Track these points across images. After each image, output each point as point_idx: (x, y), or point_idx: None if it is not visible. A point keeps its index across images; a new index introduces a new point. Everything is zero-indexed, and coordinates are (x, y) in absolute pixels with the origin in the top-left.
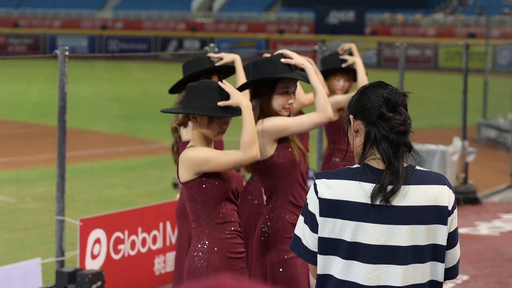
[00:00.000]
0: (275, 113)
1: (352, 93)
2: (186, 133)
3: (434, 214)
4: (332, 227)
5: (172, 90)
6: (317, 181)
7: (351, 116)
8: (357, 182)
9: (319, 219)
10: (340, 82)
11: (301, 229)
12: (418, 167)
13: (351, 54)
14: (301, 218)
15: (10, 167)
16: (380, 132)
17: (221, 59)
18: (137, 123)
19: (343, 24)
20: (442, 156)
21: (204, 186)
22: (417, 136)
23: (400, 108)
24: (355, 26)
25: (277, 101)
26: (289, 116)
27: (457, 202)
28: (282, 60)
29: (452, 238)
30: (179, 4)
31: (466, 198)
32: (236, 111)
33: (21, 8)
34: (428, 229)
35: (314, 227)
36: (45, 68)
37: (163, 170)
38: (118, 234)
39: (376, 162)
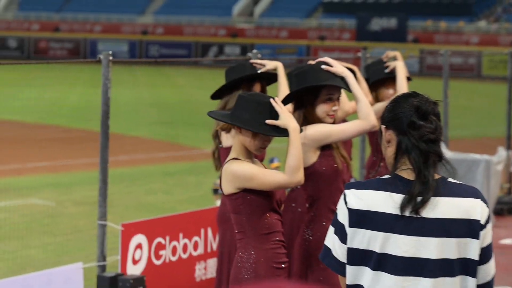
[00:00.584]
0: (319, 121)
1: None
2: (227, 139)
3: (466, 228)
4: (361, 238)
5: (214, 96)
6: (346, 191)
7: (382, 126)
8: (387, 193)
9: (348, 230)
10: (389, 91)
11: (331, 240)
12: (450, 179)
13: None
14: (331, 229)
15: (50, 171)
16: (410, 141)
17: (264, 66)
18: (177, 129)
19: (385, 31)
20: (487, 166)
21: (248, 198)
22: (461, 145)
23: (431, 116)
24: (397, 33)
25: (321, 108)
26: (333, 123)
27: (501, 213)
28: (323, 67)
29: (485, 253)
30: (220, 10)
31: (511, 208)
32: (283, 131)
33: (62, 13)
34: (458, 243)
35: (343, 237)
36: (85, 73)
37: (202, 176)
38: (159, 239)
39: (407, 173)
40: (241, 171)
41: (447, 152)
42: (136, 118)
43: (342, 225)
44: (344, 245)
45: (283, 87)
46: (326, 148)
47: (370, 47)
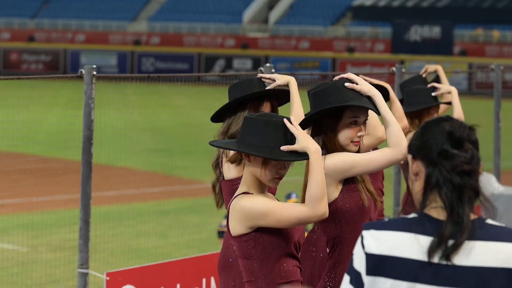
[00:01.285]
0: (341, 149)
1: None
2: (229, 169)
3: (506, 278)
4: None
5: (215, 118)
6: (364, 232)
7: (409, 156)
8: (412, 235)
9: (366, 279)
10: (433, 116)
11: None
12: (489, 221)
13: (437, 78)
14: (346, 278)
15: (23, 210)
16: (442, 174)
17: (274, 81)
18: (175, 158)
19: (426, 42)
20: None
21: (261, 240)
22: None
23: (466, 143)
24: (441, 44)
25: (344, 134)
26: (358, 152)
27: None
28: (346, 84)
29: None
30: (228, 16)
31: None
32: (299, 155)
33: (37, 19)
34: None
35: None
36: (65, 91)
37: (205, 215)
38: None
39: (437, 212)
40: (253, 207)
41: (498, 187)
42: (125, 145)
43: (359, 273)
44: None
45: (296, 107)
46: (349, 182)
47: (408, 60)
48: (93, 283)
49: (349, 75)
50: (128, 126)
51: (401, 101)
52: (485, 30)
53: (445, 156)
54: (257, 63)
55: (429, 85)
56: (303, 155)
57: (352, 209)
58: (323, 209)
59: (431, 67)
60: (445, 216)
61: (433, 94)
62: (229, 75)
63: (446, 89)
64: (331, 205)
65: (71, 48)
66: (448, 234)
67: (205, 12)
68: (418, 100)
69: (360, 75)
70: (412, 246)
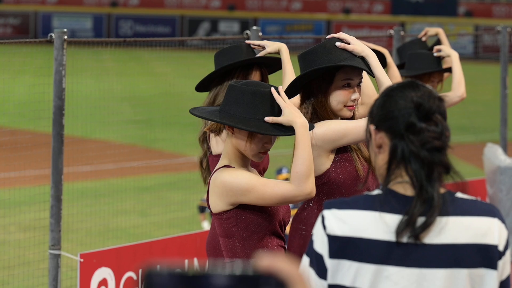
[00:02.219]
0: (333, 114)
1: (443, 94)
2: (217, 143)
3: (480, 255)
4: (345, 272)
5: (200, 87)
6: (325, 212)
7: (372, 127)
8: (377, 213)
9: (329, 262)
10: (434, 83)
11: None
12: (459, 194)
13: (438, 41)
14: (305, 260)
15: None
16: (409, 148)
17: (264, 48)
18: (156, 130)
19: (429, 2)
20: None
21: (243, 217)
22: None
23: (436, 115)
24: (444, 4)
25: (337, 97)
26: (352, 118)
27: None
28: (337, 44)
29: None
30: None
31: None
32: (287, 130)
33: None
34: (471, 274)
35: (322, 272)
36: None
37: (189, 192)
38: (130, 274)
39: (402, 187)
40: (235, 182)
41: (505, 159)
42: (102, 116)
43: (320, 256)
44: (324, 280)
45: (288, 75)
46: (342, 151)
47: (409, 22)
48: (66, 265)
49: (341, 34)
50: (105, 95)
51: (400, 66)
52: None
53: (413, 130)
54: (245, 26)
55: (434, 50)
56: (290, 130)
57: (346, 180)
58: (309, 188)
59: (432, 30)
60: (412, 192)
61: (435, 54)
62: (214, 38)
63: (447, 52)
64: (323, 176)
65: (42, 10)
66: (418, 213)
67: None
68: (419, 65)
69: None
70: (377, 225)
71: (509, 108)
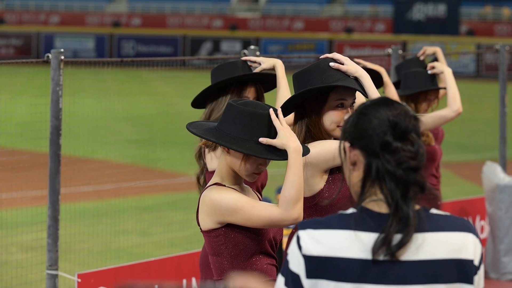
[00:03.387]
0: (326, 134)
1: (439, 111)
2: (211, 160)
3: (457, 270)
4: None
5: (196, 103)
6: (300, 232)
7: (347, 144)
8: (352, 232)
9: (306, 282)
10: (431, 102)
11: None
12: (433, 210)
13: (434, 60)
14: (280, 280)
15: None
16: (384, 167)
17: (260, 64)
18: (157, 150)
19: (431, 21)
20: None
21: (232, 236)
22: None
23: (412, 135)
24: (446, 24)
25: (330, 117)
26: None
27: None
28: (331, 64)
29: None
30: None
31: None
32: (281, 153)
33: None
34: None
35: None
36: (36, 78)
37: (190, 211)
38: None
39: (377, 205)
40: (223, 201)
41: (504, 177)
42: (103, 136)
43: (297, 276)
44: None
45: (282, 91)
46: (336, 171)
47: (410, 41)
48: (65, 285)
49: (334, 54)
50: (106, 115)
51: (397, 83)
52: (494, 7)
53: (389, 149)
54: (247, 45)
55: (428, 67)
56: (284, 152)
57: (340, 200)
58: (296, 213)
59: (430, 49)
60: (387, 210)
61: (429, 72)
62: (216, 58)
63: (440, 69)
64: (316, 197)
65: (44, 31)
66: (394, 231)
67: None
68: (415, 84)
69: (355, 59)
70: (353, 244)
71: (508, 127)
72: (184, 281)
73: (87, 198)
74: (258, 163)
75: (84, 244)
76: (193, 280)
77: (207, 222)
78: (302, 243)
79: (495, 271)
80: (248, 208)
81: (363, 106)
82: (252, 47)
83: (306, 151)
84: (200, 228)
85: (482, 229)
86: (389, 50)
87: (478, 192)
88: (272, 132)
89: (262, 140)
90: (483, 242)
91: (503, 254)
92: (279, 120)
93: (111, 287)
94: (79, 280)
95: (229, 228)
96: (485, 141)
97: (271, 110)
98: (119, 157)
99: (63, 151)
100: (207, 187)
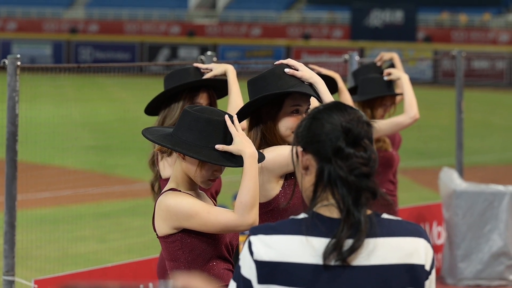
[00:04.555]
0: (282, 140)
1: (395, 117)
2: (164, 167)
3: (408, 275)
4: None
5: (149, 110)
6: (251, 238)
7: (299, 149)
8: (303, 237)
9: (257, 287)
10: (387, 107)
11: None
12: (385, 215)
13: (391, 66)
14: (232, 285)
15: None
16: (336, 172)
17: (210, 70)
18: (115, 156)
19: (388, 27)
20: None
21: (188, 241)
22: (482, 174)
23: (364, 141)
24: (404, 30)
25: (285, 123)
26: None
27: None
28: (286, 70)
29: None
30: (172, 1)
31: None
32: (236, 160)
33: None
34: None
35: None
36: None
37: (148, 217)
38: None
39: (328, 210)
40: (179, 206)
41: (460, 183)
42: (60, 142)
43: (248, 281)
44: None
45: (233, 97)
46: (291, 176)
47: (368, 47)
48: None
49: (289, 60)
50: (64, 121)
51: (353, 88)
52: (451, 14)
53: (341, 155)
54: (204, 52)
55: (384, 73)
56: (239, 158)
57: (295, 205)
58: (252, 218)
59: (387, 55)
60: (338, 214)
61: (385, 78)
62: (173, 64)
63: (396, 75)
64: (271, 202)
65: (1, 37)
66: (345, 237)
67: None
68: (371, 90)
69: (310, 65)
70: (304, 249)
71: (465, 133)
72: (141, 286)
73: (44, 205)
74: (213, 170)
75: (42, 250)
76: (150, 285)
77: (163, 227)
78: (253, 248)
79: (452, 276)
80: (204, 213)
81: (316, 111)
82: (209, 53)
83: (261, 158)
84: (157, 234)
85: (439, 235)
86: (346, 57)
87: (435, 198)
88: (228, 139)
89: (218, 146)
90: (440, 248)
91: (460, 259)
92: (234, 126)
93: None
94: (36, 286)
95: (185, 233)
96: (442, 147)
97: (226, 116)
98: (76, 163)
99: (20, 158)
100: (163, 192)
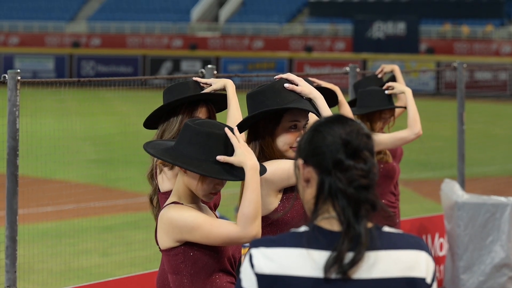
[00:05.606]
0: (280, 155)
1: (399, 132)
2: (162, 181)
3: None
4: None
5: (148, 124)
6: (252, 250)
7: (300, 161)
8: (304, 250)
9: None
10: (386, 120)
11: None
12: (386, 228)
13: (392, 78)
14: None
15: None
16: (336, 184)
17: (210, 85)
18: (118, 170)
19: (390, 39)
20: None
21: (191, 254)
22: (483, 185)
23: (364, 152)
24: (406, 42)
25: (283, 139)
26: None
27: None
28: (286, 85)
29: None
30: (175, 14)
31: None
32: (238, 172)
33: None
34: None
35: None
36: None
37: (150, 230)
38: None
39: (329, 222)
40: (181, 219)
41: (462, 195)
42: (62, 156)
43: None
44: None
45: (232, 111)
46: (289, 190)
47: (370, 59)
48: None
49: (289, 75)
50: (66, 135)
51: (354, 101)
52: (454, 25)
53: (340, 167)
54: (207, 64)
55: (385, 87)
56: (241, 171)
57: (294, 219)
58: (255, 230)
59: (388, 67)
60: (339, 227)
61: (386, 92)
62: (175, 77)
63: (400, 89)
64: (271, 215)
65: (4, 52)
66: (346, 250)
67: (149, 10)
68: (370, 102)
69: (309, 78)
70: (305, 262)
71: (466, 144)
72: None
73: (47, 219)
74: (214, 183)
75: (45, 264)
76: None
77: (166, 240)
78: (254, 261)
79: None
80: (206, 226)
81: (317, 123)
82: (209, 66)
83: (263, 171)
84: (159, 247)
85: (441, 246)
86: (347, 69)
87: (437, 210)
88: (229, 152)
89: (220, 158)
90: (442, 259)
91: (462, 271)
92: (236, 137)
93: None
94: None
95: (188, 246)
96: (444, 158)
97: (226, 128)
98: (79, 177)
99: (22, 172)
100: (165, 206)
